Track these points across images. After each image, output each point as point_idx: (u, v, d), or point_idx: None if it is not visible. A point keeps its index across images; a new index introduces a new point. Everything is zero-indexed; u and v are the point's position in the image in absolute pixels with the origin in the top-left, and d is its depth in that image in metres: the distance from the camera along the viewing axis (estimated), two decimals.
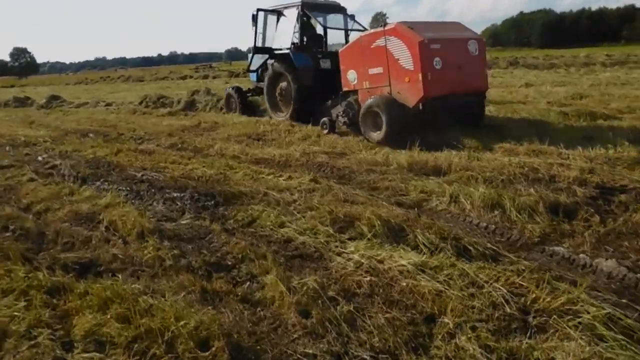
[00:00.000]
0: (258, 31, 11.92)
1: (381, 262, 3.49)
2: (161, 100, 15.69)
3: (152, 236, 4.23)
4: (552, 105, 11.41)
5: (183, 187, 6.05)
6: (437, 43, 7.69)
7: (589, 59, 27.78)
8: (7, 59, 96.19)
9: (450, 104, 7.99)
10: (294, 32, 10.94)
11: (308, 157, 7.19)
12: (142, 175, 6.79)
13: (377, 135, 8.04)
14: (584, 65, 25.01)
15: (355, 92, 8.91)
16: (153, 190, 6.06)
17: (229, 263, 3.73)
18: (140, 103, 16.12)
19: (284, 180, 6.00)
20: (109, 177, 6.88)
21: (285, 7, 11.47)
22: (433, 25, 8.82)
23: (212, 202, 5.39)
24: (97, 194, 6.01)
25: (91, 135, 11.58)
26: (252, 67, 12.42)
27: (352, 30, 11.89)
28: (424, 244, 3.90)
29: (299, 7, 10.95)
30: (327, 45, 11.69)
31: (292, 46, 10.81)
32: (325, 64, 10.61)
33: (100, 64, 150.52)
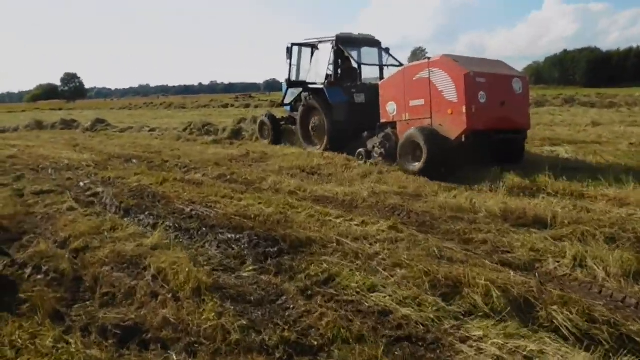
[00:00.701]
0: (292, 64, 11.98)
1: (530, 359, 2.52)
2: (206, 127, 15.29)
3: (210, 295, 3.40)
4: (636, 146, 10.24)
5: (239, 227, 5.24)
6: (483, 77, 7.66)
7: None
8: (58, 83, 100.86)
9: (491, 140, 7.91)
10: (328, 67, 10.90)
11: (378, 198, 6.31)
12: (191, 210, 6.05)
13: (415, 166, 7.94)
14: None
15: (393, 124, 8.88)
16: (204, 229, 5.28)
17: (315, 343, 2.83)
18: (185, 130, 15.77)
19: (356, 225, 5.11)
20: (154, 210, 6.17)
21: (320, 42, 11.43)
22: (476, 60, 8.68)
23: (276, 249, 4.54)
24: (141, 230, 5.29)
25: (134, 161, 11.11)
26: (286, 101, 12.49)
27: (386, 65, 11.72)
28: (567, 329, 2.91)
29: (334, 42, 10.89)
30: (362, 79, 11.47)
31: (326, 81, 10.73)
32: (360, 98, 10.52)
33: (143, 91, 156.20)
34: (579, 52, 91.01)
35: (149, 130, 16.95)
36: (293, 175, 8.50)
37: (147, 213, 6.04)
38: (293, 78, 12.02)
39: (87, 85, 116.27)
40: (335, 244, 4.55)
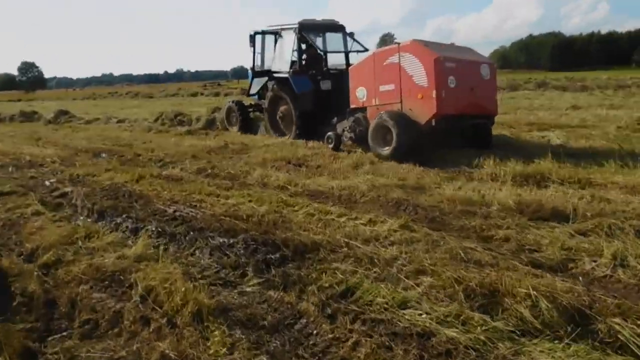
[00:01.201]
0: (257, 52, 11.73)
1: None
2: (178, 117, 14.46)
3: (214, 320, 2.87)
4: (624, 129, 10.13)
5: (231, 230, 4.69)
6: (452, 62, 7.71)
7: (618, 81, 26.59)
8: (16, 72, 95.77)
9: (460, 125, 8.07)
10: (292, 54, 10.69)
11: (378, 192, 5.84)
12: (175, 212, 5.43)
13: (385, 150, 7.98)
14: (618, 87, 23.82)
15: (363, 109, 8.85)
16: (192, 233, 4.70)
17: None
18: (156, 120, 14.89)
19: (363, 224, 4.64)
20: (133, 212, 5.52)
21: (283, 29, 11.15)
22: (446, 46, 8.76)
23: (278, 256, 4.02)
24: (121, 237, 4.68)
25: (104, 155, 10.30)
26: (252, 91, 12.28)
27: (351, 51, 11.52)
28: (637, 346, 2.54)
29: (296, 29, 10.65)
30: (327, 65, 11.29)
31: (291, 70, 10.56)
32: (326, 85, 10.48)
33: (107, 80, 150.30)
34: (544, 37, 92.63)
35: (117, 122, 15.97)
36: (279, 167, 7.94)
37: (124, 216, 5.40)
38: (258, 67, 11.77)
39: (47, 75, 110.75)
40: (344, 248, 4.07)
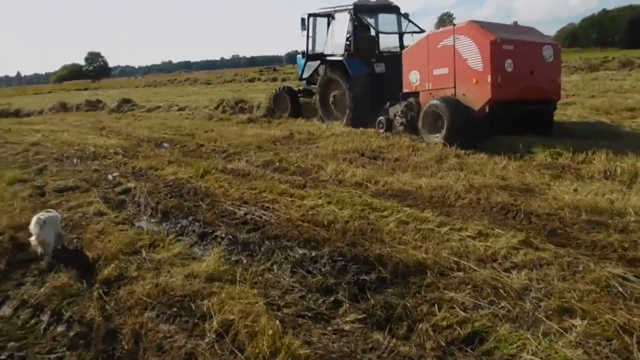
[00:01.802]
0: (309, 36, 11.41)
1: None
2: (239, 105, 14.03)
3: None
4: None
5: (311, 239, 4.03)
6: (510, 44, 7.22)
7: None
8: (82, 63, 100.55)
9: (517, 111, 7.51)
10: (347, 38, 10.35)
11: (478, 194, 4.97)
12: (245, 214, 4.85)
13: (435, 137, 7.61)
14: None
15: (416, 94, 8.43)
16: (267, 242, 4.09)
17: None
18: (217, 108, 14.55)
19: (471, 238, 3.82)
20: (199, 213, 5.00)
21: (336, 11, 10.79)
22: (506, 27, 8.19)
23: (373, 277, 3.32)
24: (189, 248, 4.14)
25: (166, 145, 10.01)
26: (305, 75, 11.88)
27: (406, 32, 11.09)
28: None
29: (351, 10, 10.29)
30: (379, 48, 11.05)
31: (346, 52, 10.26)
32: (380, 68, 10.19)
33: (166, 68, 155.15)
34: (619, 11, 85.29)
35: (178, 110, 15.81)
36: (352, 160, 7.22)
37: (190, 218, 4.88)
38: (310, 50, 11.46)
39: (111, 64, 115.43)
40: (457, 271, 3.29)
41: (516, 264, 3.33)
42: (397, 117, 8.70)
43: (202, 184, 6.10)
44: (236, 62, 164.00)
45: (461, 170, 6.09)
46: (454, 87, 7.67)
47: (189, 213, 5.04)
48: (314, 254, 3.76)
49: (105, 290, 3.37)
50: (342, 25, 10.55)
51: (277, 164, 7.25)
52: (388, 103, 9.20)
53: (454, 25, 7.78)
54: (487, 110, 7.25)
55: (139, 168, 7.50)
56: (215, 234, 4.42)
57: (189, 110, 15.46)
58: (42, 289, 3.38)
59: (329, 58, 10.72)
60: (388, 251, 3.59)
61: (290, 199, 5.21)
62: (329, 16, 10.99)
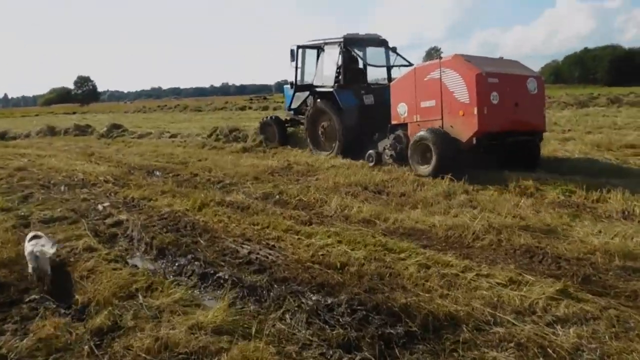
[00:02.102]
0: (297, 67, 11.37)
1: None
2: (233, 133, 13.73)
3: None
4: None
5: (325, 284, 3.70)
6: (495, 77, 7.34)
7: None
8: (72, 86, 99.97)
9: (504, 142, 7.60)
10: (337, 70, 10.35)
11: (498, 235, 4.69)
12: (249, 253, 4.50)
13: (425, 169, 7.68)
14: None
15: (404, 125, 8.53)
16: (276, 285, 3.73)
17: None
18: (210, 136, 14.23)
19: (502, 285, 3.51)
20: (198, 251, 4.64)
21: (326, 43, 10.83)
22: (490, 60, 8.34)
23: (401, 331, 2.97)
24: (190, 290, 3.75)
25: (158, 173, 9.65)
26: (293, 105, 11.80)
27: (395, 65, 11.15)
28: None
29: (342, 43, 10.35)
30: (366, 80, 11.25)
31: (336, 84, 10.24)
32: (369, 99, 10.20)
33: (155, 93, 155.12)
34: (601, 50, 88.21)
35: (170, 137, 15.45)
36: (355, 194, 6.92)
37: (189, 256, 4.51)
38: (299, 81, 11.42)
39: (100, 88, 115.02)
40: (494, 325, 2.96)
41: (559, 317, 3.01)
42: (387, 150, 8.75)
43: (199, 218, 5.73)
44: (226, 90, 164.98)
45: (472, 207, 5.82)
46: (442, 119, 7.76)
47: (188, 250, 4.67)
48: (329, 301, 3.41)
49: (98, 342, 2.96)
50: (332, 57, 10.65)
51: (277, 196, 6.92)
52: (377, 135, 9.26)
53: (441, 58, 7.89)
54: (474, 142, 7.33)
55: (131, 198, 7.10)
56: (217, 275, 4.04)
57: (181, 138, 15.12)
58: (25, 341, 2.96)
59: (318, 89, 10.75)
60: (414, 300, 3.25)
61: (296, 237, 4.87)
62: (319, 48, 11.09)
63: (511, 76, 7.77)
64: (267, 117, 12.95)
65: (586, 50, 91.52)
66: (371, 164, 8.82)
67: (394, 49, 11.27)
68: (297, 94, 11.61)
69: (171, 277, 4.08)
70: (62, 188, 8.19)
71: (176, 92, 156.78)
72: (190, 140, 14.25)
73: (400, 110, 8.59)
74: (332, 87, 10.28)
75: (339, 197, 6.63)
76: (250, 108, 35.82)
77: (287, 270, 4.03)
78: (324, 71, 10.86)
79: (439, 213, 5.57)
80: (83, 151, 13.17)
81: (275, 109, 32.97)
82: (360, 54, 10.99)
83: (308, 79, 11.44)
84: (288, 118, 12.47)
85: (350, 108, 9.96)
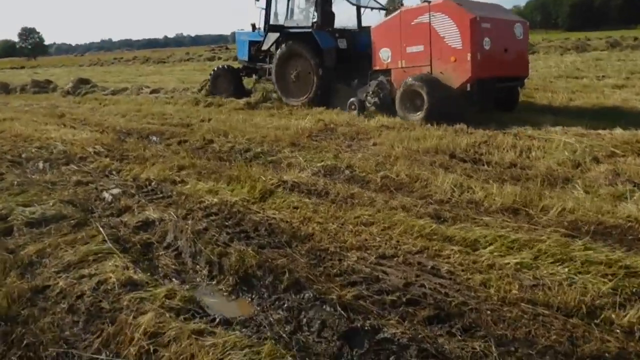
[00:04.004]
0: (262, 7, 10.49)
1: None
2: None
3: None
4: None
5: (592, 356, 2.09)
6: (488, 22, 7.29)
7: None
8: (16, 39, 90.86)
9: (491, 88, 7.56)
10: (315, 10, 9.78)
11: None
12: (407, 285, 2.81)
13: (416, 116, 7.52)
14: None
15: (387, 71, 8.31)
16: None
17: None
18: (201, 90, 12.06)
19: None
20: (309, 279, 2.92)
21: None
22: (478, 4, 8.06)
23: None
24: None
25: (155, 138, 7.69)
26: (264, 47, 10.71)
27: (367, 7, 10.70)
28: None
29: None
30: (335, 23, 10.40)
31: (315, 24, 9.60)
32: (342, 43, 9.80)
33: (106, 46, 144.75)
34: None
35: (151, 92, 13.11)
36: (447, 166, 5.27)
37: (302, 292, 2.78)
38: (263, 22, 10.57)
39: (46, 41, 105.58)
40: None
41: None
42: (369, 97, 8.36)
43: (272, 214, 3.94)
44: (180, 41, 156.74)
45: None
46: (430, 65, 7.58)
47: (290, 278, 2.92)
48: None
49: None
50: None
51: (347, 172, 5.17)
52: (355, 82, 8.93)
53: (429, 2, 7.49)
54: (468, 88, 7.18)
55: (146, 180, 5.18)
56: (380, 336, 2.36)
57: (165, 93, 12.83)
58: None
59: (292, 30, 9.99)
60: None
61: (450, 247, 3.20)
62: None
63: (501, 21, 7.68)
64: (218, 67, 11.85)
65: None
66: (354, 112, 8.41)
67: None
68: (269, 34, 10.45)
69: (294, 348, 2.35)
70: (41, 165, 6.14)
71: (128, 44, 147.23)
72: (179, 96, 12.05)
73: (383, 55, 8.30)
74: (310, 27, 9.57)
75: (429, 171, 4.97)
76: (220, 58, 32.79)
77: (498, 321, 2.39)
78: (297, 11, 10.45)
79: (610, 196, 4.00)
80: (50, 112, 10.77)
81: None
82: None
83: (278, 21, 10.59)
84: (241, 67, 11.70)
85: (330, 49, 9.36)
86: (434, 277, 2.89)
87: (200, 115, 9.36)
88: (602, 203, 3.93)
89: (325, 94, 9.41)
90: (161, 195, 4.69)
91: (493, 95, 7.80)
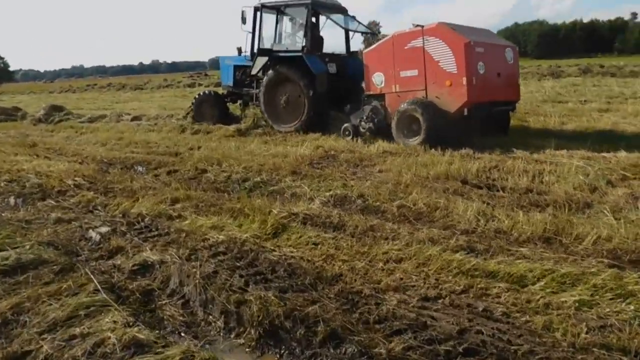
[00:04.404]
0: (248, 31, 10.04)
1: None
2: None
3: None
4: None
5: None
6: (481, 47, 7.26)
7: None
8: None
9: (485, 112, 7.45)
10: (305, 33, 9.44)
11: None
12: (431, 326, 2.43)
13: (414, 141, 7.35)
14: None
15: (380, 96, 8.18)
16: None
17: None
18: (186, 117, 11.59)
19: None
20: (354, 333, 2.50)
21: (289, 5, 9.81)
22: (469, 29, 8.02)
23: None
24: None
25: (141, 168, 7.20)
26: (253, 72, 10.14)
27: (359, 32, 10.78)
28: None
29: (308, 5, 9.39)
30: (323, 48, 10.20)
31: (305, 48, 9.28)
32: (332, 68, 9.59)
33: (78, 72, 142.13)
34: (529, 25, 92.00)
35: (132, 119, 12.56)
36: (461, 192, 5.01)
37: (344, 348, 2.36)
38: (250, 46, 10.16)
39: (12, 67, 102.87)
40: None
41: None
42: (363, 123, 8.23)
43: (289, 251, 3.52)
44: (156, 68, 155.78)
45: None
46: (425, 89, 7.48)
47: (328, 328, 2.50)
48: None
49: None
50: (298, 20, 9.88)
51: (359, 201, 4.81)
52: (348, 107, 8.74)
53: (422, 26, 7.47)
54: (465, 112, 7.11)
55: (137, 215, 4.68)
56: None
57: (147, 120, 12.32)
58: None
59: (282, 54, 9.63)
60: None
61: (496, 284, 2.84)
62: (279, 10, 9.90)
63: (493, 45, 7.73)
64: (202, 93, 11.48)
65: (517, 25, 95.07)
66: (348, 139, 8.24)
67: (353, 17, 10.57)
68: (258, 58, 10.00)
69: None
70: (12, 201, 5.55)
71: (101, 71, 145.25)
72: (163, 123, 11.54)
73: (376, 80, 8.17)
74: (300, 51, 9.27)
75: (446, 198, 4.66)
76: (200, 85, 32.39)
77: None
78: (287, 35, 10.16)
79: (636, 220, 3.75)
80: (20, 141, 10.07)
81: None
82: (324, 19, 9.97)
83: (265, 44, 10.16)
84: (225, 92, 11.26)
85: (322, 74, 9.06)
86: (489, 320, 2.53)
87: (189, 143, 8.90)
88: (637, 229, 3.67)
89: (317, 119, 9.14)
90: (157, 232, 4.21)
91: (493, 119, 7.74)
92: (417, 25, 7.50)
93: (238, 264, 3.40)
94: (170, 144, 8.94)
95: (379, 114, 8.10)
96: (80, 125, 12.42)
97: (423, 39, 7.42)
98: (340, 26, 10.13)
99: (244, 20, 9.88)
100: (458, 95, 7.11)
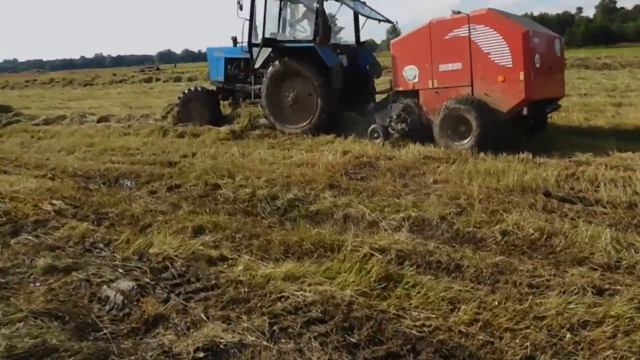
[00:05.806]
0: (244, 18, 8.94)
1: None
2: None
3: None
4: None
5: None
6: (537, 37, 6.47)
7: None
8: None
9: (542, 111, 7.01)
10: (316, 21, 8.31)
11: None
12: None
13: (461, 145, 6.55)
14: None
15: (413, 92, 7.21)
16: None
17: None
18: (165, 117, 10.20)
19: None
20: None
21: None
22: (516, 16, 7.30)
23: None
24: None
25: (128, 183, 5.98)
26: (257, 65, 8.96)
27: (375, 19, 9.48)
28: None
29: None
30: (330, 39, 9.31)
31: (317, 38, 8.24)
32: (343, 61, 8.70)
33: (11, 67, 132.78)
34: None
35: (98, 121, 10.96)
36: (550, 209, 4.19)
37: None
38: (246, 35, 9.07)
39: None
40: None
41: None
42: (393, 123, 7.27)
43: (422, 316, 2.50)
44: (100, 62, 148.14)
45: None
46: (471, 85, 6.62)
47: None
48: None
49: None
50: (307, 7, 8.99)
51: (444, 226, 3.86)
52: (372, 105, 7.94)
53: (462, 12, 6.67)
54: (524, 112, 6.33)
55: (162, 258, 3.50)
56: None
57: (117, 122, 10.79)
58: None
59: (289, 45, 8.61)
60: None
61: None
62: None
63: (546, 35, 6.88)
64: (189, 90, 9.97)
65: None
66: (377, 141, 7.32)
67: (363, 3, 9.44)
68: (262, 49, 8.86)
69: None
70: None
71: (38, 65, 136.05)
72: (139, 125, 10.10)
73: (408, 74, 7.23)
74: (312, 41, 8.27)
75: (536, 217, 3.85)
76: (158, 79, 30.31)
77: None
78: (295, 24, 9.35)
79: None
80: None
81: (191, 79, 28.24)
82: (344, 7, 8.90)
83: (266, 33, 9.03)
84: (215, 89, 10.00)
85: (337, 67, 8.07)
86: None
87: (179, 149, 7.64)
88: None
89: (331, 119, 8.10)
90: (201, 286, 3.07)
91: (546, 119, 7.13)
92: (456, 12, 6.61)
93: (353, 340, 2.36)
94: (156, 151, 7.65)
95: (412, 113, 7.20)
96: (36, 128, 10.69)
97: (469, 27, 6.53)
98: (360, 13, 9.05)
99: (241, 7, 8.73)
100: (514, 92, 6.26)
